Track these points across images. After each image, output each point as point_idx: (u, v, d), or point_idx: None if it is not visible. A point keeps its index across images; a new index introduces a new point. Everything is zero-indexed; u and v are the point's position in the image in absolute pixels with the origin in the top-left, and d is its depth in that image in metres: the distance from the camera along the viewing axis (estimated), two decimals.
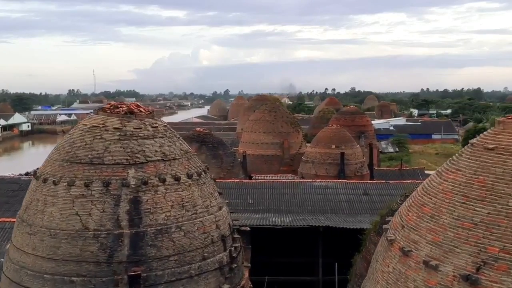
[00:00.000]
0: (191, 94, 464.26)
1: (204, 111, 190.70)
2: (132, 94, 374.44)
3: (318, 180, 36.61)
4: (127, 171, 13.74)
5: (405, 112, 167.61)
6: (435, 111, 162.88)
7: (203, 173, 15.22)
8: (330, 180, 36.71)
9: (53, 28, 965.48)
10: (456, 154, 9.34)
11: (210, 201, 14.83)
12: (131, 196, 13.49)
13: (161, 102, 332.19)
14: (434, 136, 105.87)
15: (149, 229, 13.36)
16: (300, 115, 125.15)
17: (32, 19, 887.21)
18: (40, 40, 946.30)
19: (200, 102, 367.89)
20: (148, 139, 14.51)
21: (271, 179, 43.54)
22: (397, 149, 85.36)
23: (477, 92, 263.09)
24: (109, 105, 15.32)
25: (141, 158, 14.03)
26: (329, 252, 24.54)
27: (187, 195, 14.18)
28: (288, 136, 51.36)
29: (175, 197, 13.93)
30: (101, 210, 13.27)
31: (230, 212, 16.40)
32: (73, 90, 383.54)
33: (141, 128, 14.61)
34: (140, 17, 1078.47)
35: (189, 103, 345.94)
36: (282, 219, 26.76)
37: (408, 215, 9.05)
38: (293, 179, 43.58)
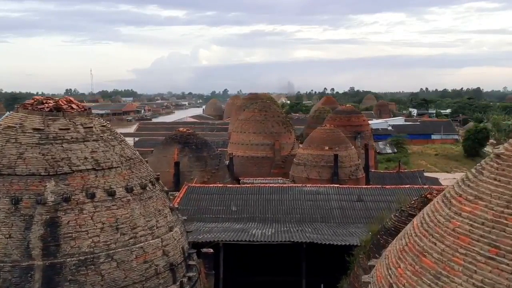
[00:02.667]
0: (190, 93, 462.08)
1: (200, 110, 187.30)
2: (130, 93, 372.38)
3: (309, 185, 33.64)
4: (45, 184, 10.75)
5: (404, 111, 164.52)
6: (434, 111, 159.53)
7: (149, 185, 12.22)
8: (321, 185, 33.73)
9: (52, 27, 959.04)
10: (473, 170, 5.99)
11: (157, 221, 11.84)
12: (48, 216, 10.51)
13: (159, 101, 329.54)
14: (433, 136, 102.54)
15: (69, 259, 10.36)
16: (297, 114, 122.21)
17: (31, 19, 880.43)
18: (39, 40, 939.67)
19: (198, 101, 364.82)
20: (77, 142, 11.52)
21: (260, 183, 40.73)
22: (395, 150, 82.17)
23: (477, 92, 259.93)
24: (32, 100, 12.33)
25: (64, 167, 11.05)
26: (314, 270, 21.51)
27: (124, 214, 11.19)
28: (280, 136, 48.26)
29: (107, 217, 10.94)
30: (7, 235, 10.29)
31: (187, 232, 13.41)
32: (70, 89, 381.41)
33: (68, 129, 11.62)
34: (139, 16, 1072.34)
35: (186, 103, 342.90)
36: (264, 230, 23.69)
37: (400, 266, 5.67)
38: (283, 183, 40.80)
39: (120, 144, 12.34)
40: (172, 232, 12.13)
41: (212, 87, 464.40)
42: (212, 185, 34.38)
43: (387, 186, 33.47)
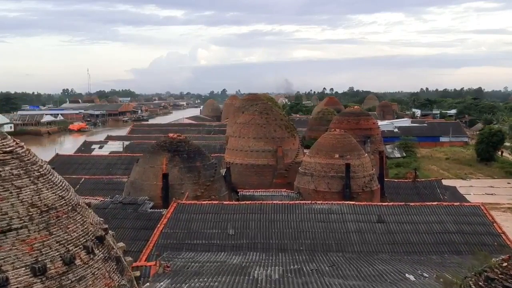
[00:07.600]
0: (188, 93, 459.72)
1: (198, 111, 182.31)
2: (128, 93, 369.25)
3: (319, 202, 28.58)
4: None
5: (407, 112, 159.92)
6: (438, 112, 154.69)
7: (83, 254, 7.07)
8: (333, 202, 28.67)
9: (51, 27, 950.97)
10: None
11: None
12: None
13: (156, 101, 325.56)
14: (442, 139, 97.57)
15: None
16: (297, 115, 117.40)
17: (29, 19, 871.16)
18: (37, 40, 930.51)
19: (196, 101, 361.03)
20: None
21: (261, 196, 35.85)
22: (404, 154, 77.07)
23: (478, 92, 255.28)
24: None
25: None
26: None
27: None
28: (283, 142, 43.10)
29: None
30: None
31: None
32: (67, 89, 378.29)
33: None
34: (137, 16, 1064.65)
35: (184, 103, 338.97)
36: (269, 270, 18.58)
37: None
38: (288, 195, 35.85)
39: (35, 184, 7.15)
40: None
41: (210, 87, 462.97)
42: (205, 202, 29.35)
43: (411, 204, 28.40)
